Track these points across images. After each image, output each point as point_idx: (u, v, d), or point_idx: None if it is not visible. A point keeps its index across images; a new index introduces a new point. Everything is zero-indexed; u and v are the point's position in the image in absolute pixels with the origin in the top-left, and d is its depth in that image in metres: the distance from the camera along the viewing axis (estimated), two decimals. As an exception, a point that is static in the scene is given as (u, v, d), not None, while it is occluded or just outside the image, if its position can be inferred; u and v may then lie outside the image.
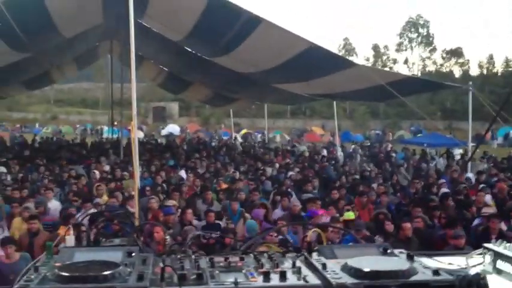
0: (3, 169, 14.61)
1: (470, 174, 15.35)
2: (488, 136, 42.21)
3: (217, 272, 1.77)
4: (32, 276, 1.71)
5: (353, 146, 29.78)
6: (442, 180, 13.57)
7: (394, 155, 23.80)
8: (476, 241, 7.18)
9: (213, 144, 29.87)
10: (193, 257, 1.96)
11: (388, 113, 60.57)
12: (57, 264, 1.80)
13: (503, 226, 8.48)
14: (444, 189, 12.45)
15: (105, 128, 41.68)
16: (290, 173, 15.22)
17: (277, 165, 17.23)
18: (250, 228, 7.92)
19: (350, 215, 8.66)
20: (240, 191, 11.24)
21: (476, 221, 9.00)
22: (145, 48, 19.01)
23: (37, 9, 11.44)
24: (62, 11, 12.32)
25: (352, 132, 46.05)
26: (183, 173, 14.67)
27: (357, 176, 15.29)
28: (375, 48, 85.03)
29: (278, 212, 9.91)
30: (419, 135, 39.91)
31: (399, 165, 18.70)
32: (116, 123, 27.87)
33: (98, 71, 59.21)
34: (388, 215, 9.07)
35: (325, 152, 24.55)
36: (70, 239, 2.35)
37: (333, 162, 19.62)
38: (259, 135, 39.29)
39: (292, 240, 4.70)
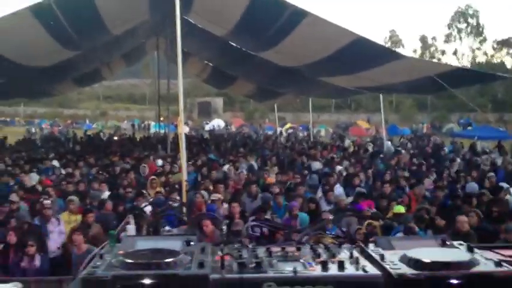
0: (56, 163, 15.11)
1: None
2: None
3: (275, 261, 1.79)
4: (98, 263, 1.78)
5: (401, 140, 29.27)
6: (491, 174, 13.17)
7: (444, 148, 23.24)
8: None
9: (257, 139, 29.97)
10: (250, 246, 2.00)
11: (435, 106, 59.11)
12: (121, 251, 1.86)
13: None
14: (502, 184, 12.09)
15: (152, 124, 42.49)
16: (338, 167, 15.07)
17: (322, 159, 17.11)
18: (302, 221, 7.93)
19: (400, 209, 8.55)
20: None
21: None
22: (190, 44, 19.24)
23: (87, 7, 11.75)
24: (111, 9, 12.62)
25: (398, 125, 45.22)
26: (226, 168, 14.77)
27: (406, 172, 14.98)
28: (423, 39, 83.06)
29: (325, 206, 9.87)
30: (469, 127, 38.79)
31: (451, 159, 18.23)
32: (162, 118, 28.36)
33: (144, 67, 60.39)
34: (431, 210, 8.88)
35: (371, 146, 24.21)
36: (131, 229, 2.43)
37: (381, 155, 19.31)
38: (304, 130, 39.13)
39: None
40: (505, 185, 11.61)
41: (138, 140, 27.81)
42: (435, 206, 9.59)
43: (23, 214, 8.63)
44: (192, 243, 2.01)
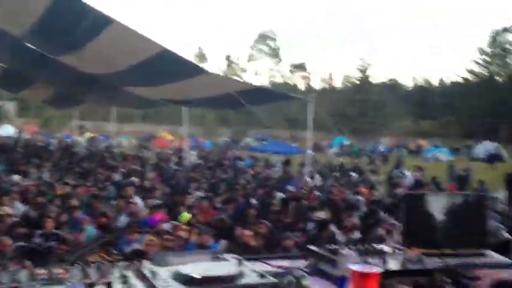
0: None
1: (315, 180, 16.49)
2: (325, 145, 45.61)
3: (37, 285, 1.66)
4: None
5: (202, 153, 30.14)
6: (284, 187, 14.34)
7: (241, 162, 24.54)
8: (308, 244, 7.67)
9: (52, 148, 28.05)
10: (12, 269, 1.82)
11: (237, 121, 62.28)
12: None
13: (336, 230, 9.20)
14: (284, 195, 13.22)
15: None
16: (134, 179, 14.88)
17: (121, 170, 16.75)
18: (89, 235, 7.58)
19: (185, 216, 8.80)
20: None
21: (310, 225, 9.62)
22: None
23: None
24: None
25: (202, 138, 46.52)
26: (16, 178, 13.57)
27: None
28: (228, 58, 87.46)
29: (123, 219, 9.64)
30: (264, 142, 41.60)
31: (244, 171, 19.35)
32: None
33: None
34: (226, 221, 9.32)
35: (174, 159, 24.49)
36: None
37: (182, 168, 19.64)
38: (105, 140, 37.84)
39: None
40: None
41: None
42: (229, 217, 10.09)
43: None
44: None
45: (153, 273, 1.81)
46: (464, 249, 2.61)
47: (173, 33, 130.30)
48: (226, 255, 2.10)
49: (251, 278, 1.80)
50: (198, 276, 1.74)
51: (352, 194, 13.90)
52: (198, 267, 1.84)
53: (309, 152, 17.41)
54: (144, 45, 11.89)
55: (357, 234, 9.06)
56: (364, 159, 31.38)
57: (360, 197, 13.05)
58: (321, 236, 8.48)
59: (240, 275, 1.80)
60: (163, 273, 1.83)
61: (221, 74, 56.86)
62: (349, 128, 47.00)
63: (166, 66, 12.80)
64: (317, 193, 13.71)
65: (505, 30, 73.66)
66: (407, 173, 21.86)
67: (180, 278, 1.75)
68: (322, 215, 10.15)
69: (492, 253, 2.65)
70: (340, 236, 8.84)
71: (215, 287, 1.70)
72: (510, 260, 2.53)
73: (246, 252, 4.76)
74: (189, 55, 78.09)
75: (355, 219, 9.86)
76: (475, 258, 2.50)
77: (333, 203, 12.17)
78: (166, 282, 1.74)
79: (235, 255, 2.09)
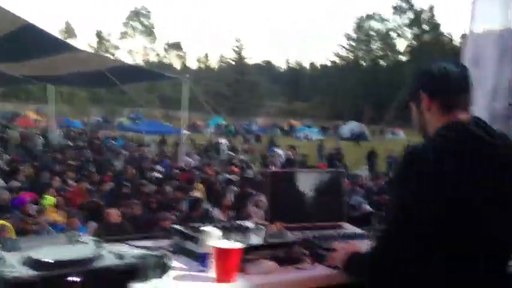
0: None
1: (190, 159, 16.48)
2: (202, 125, 45.78)
3: None
4: None
5: (72, 133, 28.72)
6: (158, 167, 14.17)
7: (113, 141, 23.79)
8: (184, 223, 7.69)
9: None
10: None
11: (109, 99, 60.03)
12: None
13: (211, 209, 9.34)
14: (159, 175, 13.08)
15: None
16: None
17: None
18: None
19: (49, 199, 8.39)
20: None
21: (185, 204, 9.63)
22: None
23: None
24: None
25: (71, 118, 44.22)
26: None
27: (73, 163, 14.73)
28: (99, 34, 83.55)
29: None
30: (137, 122, 40.69)
31: (118, 152, 18.80)
32: None
33: None
34: (97, 203, 9.03)
35: (41, 139, 23.05)
36: None
37: (49, 149, 18.59)
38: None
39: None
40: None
41: None
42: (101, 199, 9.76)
43: None
44: None
45: (1, 259, 1.67)
46: (323, 223, 2.76)
47: (39, 6, 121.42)
48: (85, 238, 2.01)
49: (108, 260, 1.73)
50: (50, 260, 1.64)
51: (226, 173, 14.13)
52: (52, 251, 1.73)
53: (184, 131, 17.36)
54: (4, 18, 10.98)
55: (231, 213, 9.26)
56: (239, 139, 32.00)
57: (233, 176, 13.31)
58: (194, 214, 8.52)
59: (97, 257, 1.72)
60: (12, 259, 1.69)
61: (92, 51, 54.39)
62: (225, 108, 47.55)
63: (29, 41, 11.95)
64: (192, 172, 13.73)
65: (369, 17, 78.91)
66: (281, 152, 22.70)
67: (30, 262, 1.64)
68: (196, 193, 10.20)
69: (348, 225, 2.84)
70: (220, 215, 8.98)
71: (68, 270, 1.61)
72: (364, 231, 2.72)
73: (117, 234, 4.63)
74: (56, 30, 73.59)
75: (229, 198, 10.05)
76: (332, 230, 2.66)
77: (207, 182, 12.27)
78: (13, 267, 1.62)
79: (96, 238, 2.01)
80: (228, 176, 13.26)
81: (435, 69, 1.91)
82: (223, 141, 24.92)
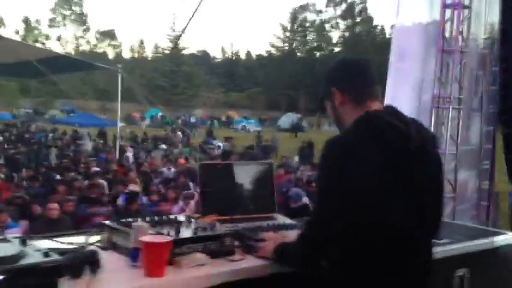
0: None
1: (129, 154, 16.18)
2: (138, 117, 44.98)
3: None
4: None
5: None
6: (91, 159, 13.84)
7: (45, 134, 22.94)
8: (120, 217, 7.57)
9: None
10: None
11: (40, 91, 57.70)
12: None
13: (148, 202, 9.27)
14: (95, 169, 12.76)
15: None
16: None
17: None
18: None
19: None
20: None
21: (121, 198, 9.47)
22: None
23: None
24: None
25: (-1, 110, 42.29)
26: None
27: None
28: (26, 21, 79.82)
29: None
30: (71, 114, 39.45)
31: (50, 145, 18.17)
32: None
33: None
34: (27, 198, 8.75)
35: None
36: None
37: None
38: None
39: None
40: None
41: None
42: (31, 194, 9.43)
43: None
44: None
45: None
46: (256, 214, 2.80)
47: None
48: (7, 236, 1.95)
49: (33, 258, 1.70)
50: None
51: (163, 166, 13.99)
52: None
53: (120, 124, 17.02)
54: None
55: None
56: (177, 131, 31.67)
57: (171, 168, 13.21)
58: (131, 208, 8.39)
59: (21, 255, 1.69)
60: None
61: (19, 39, 52.08)
62: (162, 99, 46.85)
63: None
64: (128, 165, 13.51)
65: (303, 8, 79.78)
66: (219, 143, 22.72)
67: None
68: (133, 187, 10.03)
69: (280, 216, 2.90)
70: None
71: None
72: (294, 222, 2.79)
73: (50, 230, 4.50)
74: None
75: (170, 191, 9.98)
76: (263, 221, 2.71)
77: (145, 175, 12.12)
78: None
79: (22, 236, 1.96)
80: (164, 169, 13.16)
81: (342, 66, 2.06)
82: (158, 133, 24.59)
